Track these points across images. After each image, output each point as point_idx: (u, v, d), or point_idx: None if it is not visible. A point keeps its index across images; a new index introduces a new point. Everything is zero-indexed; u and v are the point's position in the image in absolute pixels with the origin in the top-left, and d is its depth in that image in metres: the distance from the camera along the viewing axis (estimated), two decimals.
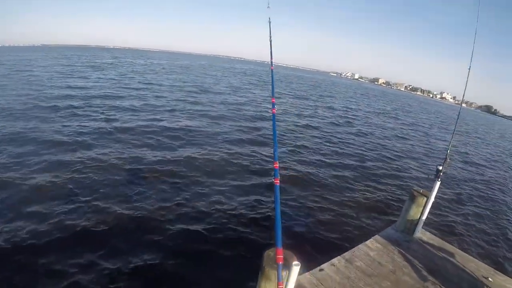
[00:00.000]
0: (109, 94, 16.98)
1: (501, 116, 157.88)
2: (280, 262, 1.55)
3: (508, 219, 8.79)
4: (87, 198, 5.97)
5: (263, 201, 6.77)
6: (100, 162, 7.59)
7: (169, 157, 8.42)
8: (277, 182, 1.84)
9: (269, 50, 3.42)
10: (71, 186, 6.32)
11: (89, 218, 5.39)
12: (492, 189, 11.56)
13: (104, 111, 12.74)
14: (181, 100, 17.71)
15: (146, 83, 23.96)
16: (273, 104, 2.54)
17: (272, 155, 2.17)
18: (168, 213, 5.86)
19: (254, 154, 9.62)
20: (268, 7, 3.74)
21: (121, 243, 4.90)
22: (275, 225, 1.65)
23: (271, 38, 3.48)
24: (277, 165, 1.95)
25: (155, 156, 8.36)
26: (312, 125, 16.38)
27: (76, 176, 6.75)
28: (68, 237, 4.88)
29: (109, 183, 6.67)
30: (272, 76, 3.08)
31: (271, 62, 3.17)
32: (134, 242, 4.96)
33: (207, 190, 6.87)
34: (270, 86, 2.96)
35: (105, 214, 5.55)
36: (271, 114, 2.48)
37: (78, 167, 7.17)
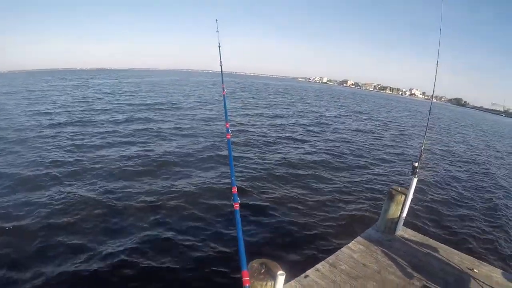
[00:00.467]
0: (77, 119, 16.35)
1: (470, 108, 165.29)
2: (247, 284, 1.58)
3: (489, 208, 9.16)
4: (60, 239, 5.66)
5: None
6: (70, 199, 7.19)
7: (143, 189, 8.08)
8: (237, 206, 1.90)
9: (221, 76, 3.53)
10: (40, 232, 5.92)
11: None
12: (471, 179, 12.17)
13: (73, 139, 12.19)
14: (150, 119, 17.38)
15: (114, 104, 23.43)
16: (228, 129, 2.60)
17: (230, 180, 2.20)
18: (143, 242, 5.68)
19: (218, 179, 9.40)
20: (217, 31, 3.88)
21: None
22: (239, 249, 1.69)
23: (222, 63, 3.61)
24: (235, 189, 2.00)
25: (127, 187, 8.06)
26: (287, 128, 16.56)
27: (44, 221, 6.31)
28: None
29: (83, 221, 6.33)
30: (224, 102, 3.15)
31: (223, 88, 3.28)
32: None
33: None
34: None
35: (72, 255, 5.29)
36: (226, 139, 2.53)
37: (48, 208, 6.76)
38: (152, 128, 14.70)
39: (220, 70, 3.77)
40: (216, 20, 4.05)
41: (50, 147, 10.88)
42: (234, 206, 1.89)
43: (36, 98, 26.62)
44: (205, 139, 13.05)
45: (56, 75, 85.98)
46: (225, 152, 10.86)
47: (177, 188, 7.85)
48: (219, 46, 3.82)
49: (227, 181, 8.58)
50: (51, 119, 16.21)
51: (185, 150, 11.11)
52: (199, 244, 5.80)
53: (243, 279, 1.58)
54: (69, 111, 19.28)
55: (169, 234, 6.03)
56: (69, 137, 12.56)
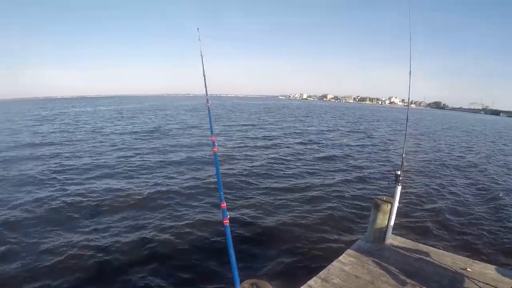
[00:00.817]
0: (58, 151, 15.87)
1: (450, 109, 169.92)
2: None
3: (475, 206, 9.40)
4: None
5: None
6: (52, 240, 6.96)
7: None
8: (227, 222, 1.90)
9: (204, 85, 3.52)
10: None
11: None
12: (453, 180, 12.45)
13: (55, 171, 11.79)
14: (131, 147, 17.08)
15: (95, 132, 23.18)
16: (213, 143, 2.59)
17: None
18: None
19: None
20: (199, 39, 3.84)
21: None
22: (231, 266, 1.70)
23: (205, 73, 3.60)
24: (224, 205, 2.01)
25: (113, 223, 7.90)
26: (272, 148, 16.64)
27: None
28: None
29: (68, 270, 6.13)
30: (209, 113, 3.14)
31: (207, 99, 3.28)
32: None
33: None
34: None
35: None
36: (213, 152, 2.52)
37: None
38: (134, 157, 14.56)
39: (204, 83, 3.67)
40: (198, 28, 3.95)
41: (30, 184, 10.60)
42: (224, 221, 1.89)
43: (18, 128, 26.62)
44: (189, 166, 12.96)
45: (37, 104, 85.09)
46: (211, 178, 10.85)
47: (166, 222, 7.76)
48: (201, 56, 3.68)
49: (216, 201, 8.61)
50: (32, 151, 16.00)
51: (171, 180, 10.97)
52: (191, 262, 5.85)
53: None
54: (51, 142, 18.93)
55: (160, 254, 6.11)
56: (50, 169, 12.23)
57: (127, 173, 11.79)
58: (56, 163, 13.26)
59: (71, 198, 8.92)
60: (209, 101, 3.36)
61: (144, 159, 14.17)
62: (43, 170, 11.92)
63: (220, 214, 1.96)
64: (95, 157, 14.48)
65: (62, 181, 10.57)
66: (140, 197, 9.15)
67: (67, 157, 14.60)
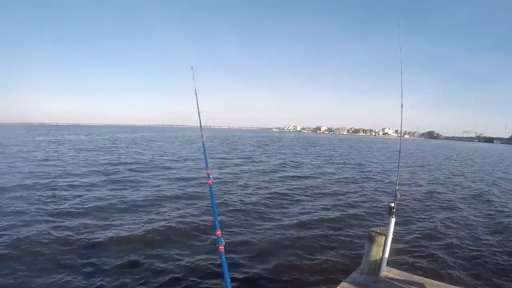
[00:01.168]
0: (51, 184, 15.42)
1: (443, 139, 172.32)
2: None
3: (472, 237, 9.44)
4: None
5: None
6: None
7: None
8: (222, 248, 2.01)
9: (199, 121, 3.72)
10: None
11: None
12: (445, 209, 12.62)
13: (44, 203, 11.38)
14: (123, 181, 16.80)
15: (87, 163, 22.78)
16: (208, 175, 2.78)
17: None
18: None
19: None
20: (193, 78, 4.06)
21: None
22: None
23: (199, 110, 3.80)
24: (219, 232, 2.13)
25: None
26: (266, 180, 16.73)
27: None
28: None
29: None
30: (204, 148, 3.34)
31: (201, 134, 3.47)
32: None
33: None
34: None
35: None
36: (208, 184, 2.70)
37: None
38: (126, 190, 14.35)
39: (198, 118, 3.84)
40: (192, 67, 4.19)
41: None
42: (219, 248, 2.01)
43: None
44: (186, 201, 12.94)
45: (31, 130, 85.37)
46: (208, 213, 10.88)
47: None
48: (195, 94, 3.89)
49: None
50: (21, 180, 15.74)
51: (166, 217, 10.95)
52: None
53: None
54: (43, 171, 18.55)
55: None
56: (38, 201, 11.78)
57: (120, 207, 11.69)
58: (45, 195, 12.84)
59: (60, 234, 8.78)
60: (204, 136, 3.55)
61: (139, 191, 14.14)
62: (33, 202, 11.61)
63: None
64: (89, 189, 14.25)
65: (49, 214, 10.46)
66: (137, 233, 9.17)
67: (55, 188, 14.28)
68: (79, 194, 13.29)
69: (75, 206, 11.53)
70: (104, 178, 17.14)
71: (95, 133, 77.24)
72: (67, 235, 8.77)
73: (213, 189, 2.75)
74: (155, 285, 6.14)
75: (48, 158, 24.34)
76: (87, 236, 8.78)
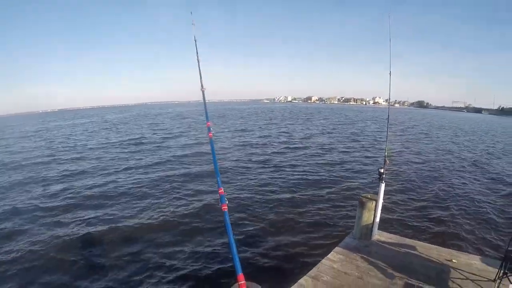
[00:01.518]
0: (33, 174, 14.50)
1: (433, 108, 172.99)
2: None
3: (456, 200, 9.67)
4: None
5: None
6: None
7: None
8: (225, 208, 1.88)
9: (198, 70, 3.03)
10: None
11: None
12: (433, 175, 12.91)
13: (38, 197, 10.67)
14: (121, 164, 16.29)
15: (77, 150, 22.17)
16: (209, 128, 2.55)
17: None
18: None
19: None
20: (193, 24, 3.21)
21: None
22: (232, 252, 1.69)
23: (199, 58, 3.09)
24: (222, 190, 1.99)
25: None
26: (259, 150, 16.73)
27: None
28: None
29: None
30: (204, 98, 2.88)
31: (201, 83, 2.87)
32: None
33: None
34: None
35: None
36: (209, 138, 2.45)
37: None
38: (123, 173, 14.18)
39: (199, 76, 3.09)
40: (191, 12, 3.32)
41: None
42: (222, 207, 1.86)
43: None
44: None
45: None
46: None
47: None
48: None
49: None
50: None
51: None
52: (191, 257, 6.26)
53: (239, 283, 1.61)
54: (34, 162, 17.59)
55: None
56: (35, 196, 11.01)
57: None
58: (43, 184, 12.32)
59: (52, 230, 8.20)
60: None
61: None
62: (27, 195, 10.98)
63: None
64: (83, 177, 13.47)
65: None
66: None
67: (53, 178, 13.46)
68: (67, 186, 11.97)
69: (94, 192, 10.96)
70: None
71: (83, 117, 74.81)
72: (61, 228, 8.31)
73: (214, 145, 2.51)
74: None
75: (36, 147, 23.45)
76: (82, 229, 8.12)
